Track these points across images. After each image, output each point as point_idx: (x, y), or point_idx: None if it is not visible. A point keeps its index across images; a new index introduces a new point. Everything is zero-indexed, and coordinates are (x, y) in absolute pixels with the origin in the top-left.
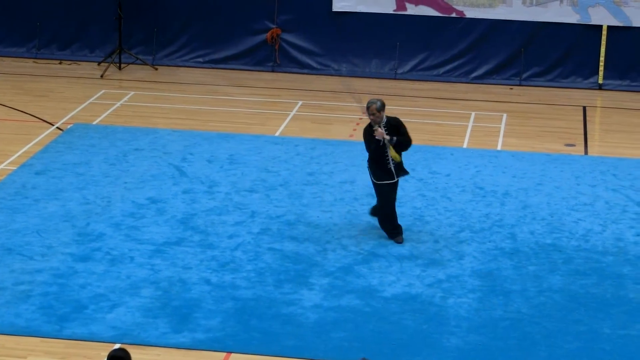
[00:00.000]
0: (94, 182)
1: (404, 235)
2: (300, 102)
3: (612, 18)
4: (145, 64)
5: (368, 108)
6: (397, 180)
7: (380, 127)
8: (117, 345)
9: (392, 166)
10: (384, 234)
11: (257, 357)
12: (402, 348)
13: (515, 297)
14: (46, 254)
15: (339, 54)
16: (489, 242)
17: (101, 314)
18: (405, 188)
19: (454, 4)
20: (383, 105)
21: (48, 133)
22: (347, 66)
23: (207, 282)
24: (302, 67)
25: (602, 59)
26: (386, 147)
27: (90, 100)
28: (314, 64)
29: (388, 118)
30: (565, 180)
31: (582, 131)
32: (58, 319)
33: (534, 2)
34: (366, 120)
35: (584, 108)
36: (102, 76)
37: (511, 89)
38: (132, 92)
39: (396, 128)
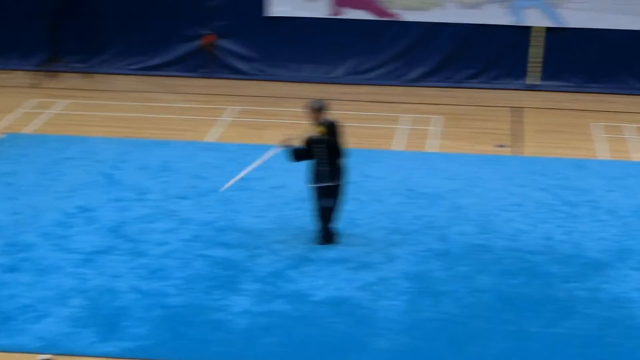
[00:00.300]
0: (24, 192)
1: (337, 239)
2: (235, 108)
3: (545, 19)
4: (78, 71)
5: (307, 107)
6: (321, 187)
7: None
8: (44, 355)
9: (320, 171)
10: (314, 238)
11: None
12: (332, 351)
13: (445, 298)
14: None
15: (273, 59)
16: (420, 244)
17: (28, 325)
18: None
19: (388, 7)
20: (321, 107)
21: None
22: (282, 71)
23: (136, 290)
24: (237, 73)
25: (535, 60)
26: (313, 151)
27: (23, 109)
28: (249, 70)
29: (327, 120)
30: (496, 181)
31: (513, 132)
32: None
33: (469, 4)
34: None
35: (516, 109)
36: (34, 85)
37: (444, 91)
38: (66, 101)
39: (330, 132)
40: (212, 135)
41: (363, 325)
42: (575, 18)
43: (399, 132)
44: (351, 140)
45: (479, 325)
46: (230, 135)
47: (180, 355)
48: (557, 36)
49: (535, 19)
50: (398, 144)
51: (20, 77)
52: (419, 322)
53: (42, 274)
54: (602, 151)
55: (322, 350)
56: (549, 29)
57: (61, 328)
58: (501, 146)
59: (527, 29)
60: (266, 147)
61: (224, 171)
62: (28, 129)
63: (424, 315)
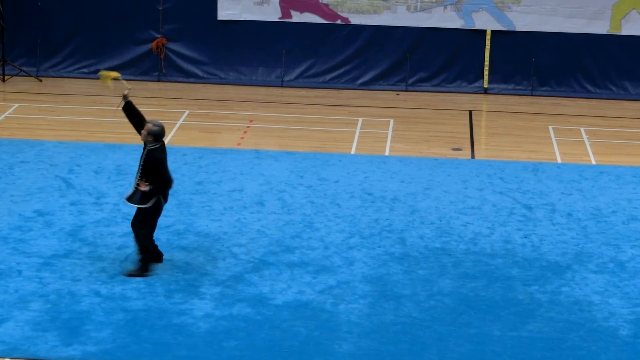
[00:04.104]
0: None
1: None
2: (187, 112)
3: (495, 22)
4: (29, 75)
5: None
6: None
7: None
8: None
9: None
10: (273, 241)
11: None
12: (294, 355)
13: (406, 301)
14: None
15: (225, 62)
16: (379, 247)
17: None
18: (295, 195)
19: (338, 10)
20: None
21: None
22: (233, 74)
23: (97, 294)
24: (188, 76)
25: (486, 63)
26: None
27: None
28: (200, 73)
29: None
30: (453, 184)
31: (468, 135)
32: None
33: (419, 8)
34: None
35: (470, 112)
36: None
37: (397, 94)
38: (17, 104)
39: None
40: (165, 138)
41: (325, 329)
42: (524, 21)
43: (354, 136)
44: (305, 144)
45: (440, 328)
46: (181, 139)
47: (143, 359)
48: (505, 39)
49: (484, 22)
50: (354, 148)
51: None
52: (380, 325)
53: (1, 277)
54: (557, 154)
55: (285, 354)
56: (496, 32)
57: (23, 332)
58: (457, 149)
59: (477, 32)
60: (221, 151)
61: (180, 174)
62: None
63: (385, 318)
